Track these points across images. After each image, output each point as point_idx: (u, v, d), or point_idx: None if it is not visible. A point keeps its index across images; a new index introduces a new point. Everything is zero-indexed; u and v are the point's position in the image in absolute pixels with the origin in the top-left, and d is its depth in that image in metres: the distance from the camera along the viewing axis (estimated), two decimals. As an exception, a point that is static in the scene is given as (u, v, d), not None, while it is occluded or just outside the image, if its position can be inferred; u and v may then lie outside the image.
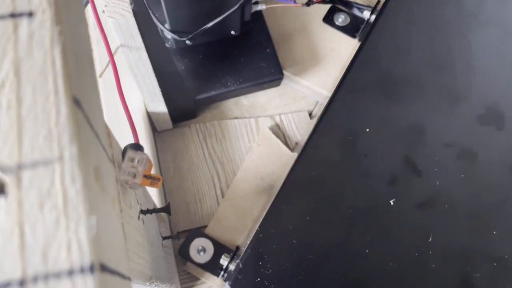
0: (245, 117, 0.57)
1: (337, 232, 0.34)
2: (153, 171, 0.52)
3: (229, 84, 0.54)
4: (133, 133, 0.26)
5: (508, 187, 0.36)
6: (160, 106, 0.49)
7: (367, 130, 0.36)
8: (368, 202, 0.35)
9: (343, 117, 0.37)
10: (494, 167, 0.36)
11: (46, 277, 0.12)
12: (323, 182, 0.35)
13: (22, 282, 0.12)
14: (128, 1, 0.34)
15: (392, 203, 0.34)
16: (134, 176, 0.22)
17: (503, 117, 0.37)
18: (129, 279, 0.18)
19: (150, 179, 0.23)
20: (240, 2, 0.46)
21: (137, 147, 0.23)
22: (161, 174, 0.53)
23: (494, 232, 0.34)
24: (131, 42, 0.37)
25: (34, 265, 0.12)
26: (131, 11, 0.34)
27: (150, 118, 0.52)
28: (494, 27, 0.41)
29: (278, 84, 0.58)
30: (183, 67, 0.54)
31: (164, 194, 0.52)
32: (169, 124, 0.54)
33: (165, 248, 0.41)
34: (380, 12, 0.43)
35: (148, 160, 0.23)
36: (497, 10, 0.42)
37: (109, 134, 0.21)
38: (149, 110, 0.50)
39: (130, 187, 0.23)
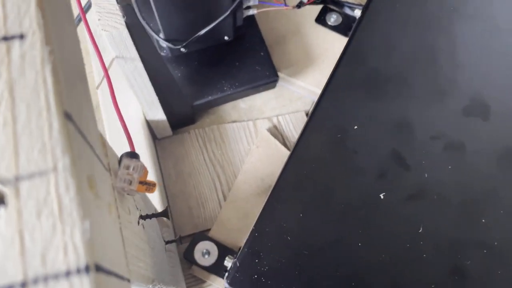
0: (243, 120, 0.58)
1: (329, 227, 0.35)
2: (155, 178, 0.53)
3: (225, 88, 0.55)
4: (128, 141, 0.27)
5: (495, 176, 0.36)
6: (158, 114, 0.50)
7: (355, 127, 0.37)
8: (358, 197, 0.35)
9: (332, 115, 0.38)
10: (481, 157, 0.37)
11: (46, 278, 0.13)
12: (314, 179, 0.36)
13: (23, 284, 0.13)
14: (121, 14, 0.35)
15: (382, 197, 0.35)
16: (130, 183, 0.23)
17: (488, 107, 0.38)
18: (128, 280, 0.19)
19: (146, 185, 0.24)
20: (231, 8, 0.46)
21: (132, 155, 0.24)
22: (162, 180, 0.54)
23: (483, 220, 0.34)
24: (125, 54, 0.38)
25: (34, 268, 0.13)
26: (123, 23, 0.35)
27: (150, 126, 0.53)
28: (476, 21, 0.42)
29: (273, 86, 0.59)
30: (179, 74, 0.55)
31: (167, 199, 0.53)
32: (168, 131, 0.55)
33: (169, 252, 0.42)
34: (365, 8, 0.44)
35: (143, 167, 0.24)
36: (479, 4, 0.43)
37: (104, 143, 0.22)
38: (148, 118, 0.51)
39: (128, 194, 0.24)
